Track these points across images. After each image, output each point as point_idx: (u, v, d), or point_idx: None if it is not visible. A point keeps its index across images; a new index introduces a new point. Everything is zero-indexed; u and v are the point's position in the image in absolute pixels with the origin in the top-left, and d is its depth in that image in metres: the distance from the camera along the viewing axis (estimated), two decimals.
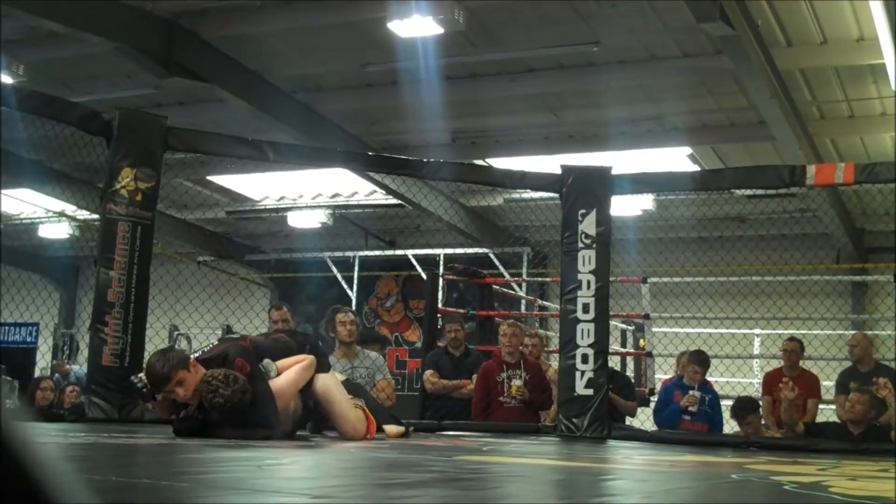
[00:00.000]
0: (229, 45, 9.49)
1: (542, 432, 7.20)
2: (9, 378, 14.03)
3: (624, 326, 11.56)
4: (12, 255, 17.29)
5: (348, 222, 15.25)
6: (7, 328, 18.94)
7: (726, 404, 8.51)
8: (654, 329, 10.29)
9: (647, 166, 9.55)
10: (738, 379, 10.90)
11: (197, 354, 5.07)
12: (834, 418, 8.55)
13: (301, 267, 15.93)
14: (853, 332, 9.65)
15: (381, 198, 13.81)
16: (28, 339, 19.12)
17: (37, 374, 15.19)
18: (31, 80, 9.43)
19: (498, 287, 11.24)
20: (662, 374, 10.31)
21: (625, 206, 11.34)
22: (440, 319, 9.53)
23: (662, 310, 10.48)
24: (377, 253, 15.56)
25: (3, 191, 14.49)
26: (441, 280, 11.35)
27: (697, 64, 9.28)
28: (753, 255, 11.75)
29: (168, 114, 7.99)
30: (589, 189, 7.31)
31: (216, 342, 5.27)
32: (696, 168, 11.38)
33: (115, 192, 6.81)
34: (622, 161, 9.38)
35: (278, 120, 10.41)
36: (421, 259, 14.50)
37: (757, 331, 11.53)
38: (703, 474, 3.92)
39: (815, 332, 10.80)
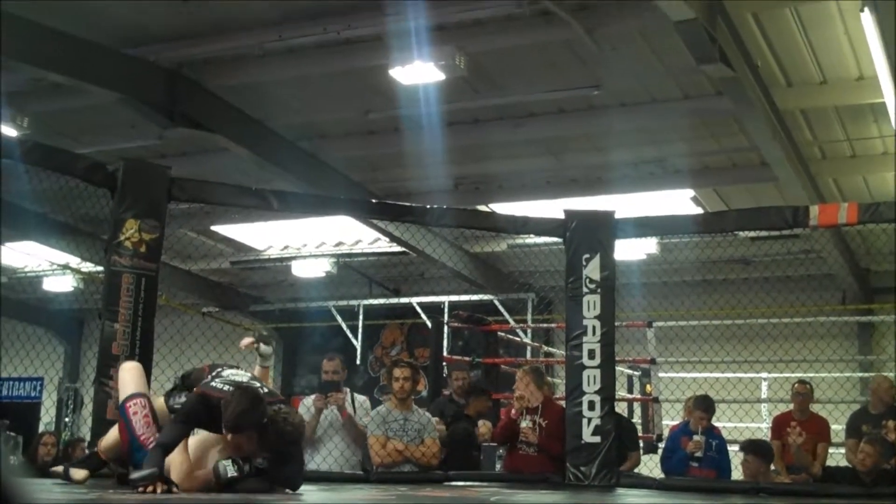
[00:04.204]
0: (232, 94, 9.53)
1: (550, 482, 7.12)
2: (13, 434, 13.95)
3: (630, 372, 11.48)
4: (17, 308, 17.28)
5: (352, 271, 15.23)
6: (11, 383, 18.89)
7: (734, 449, 8.43)
8: (661, 374, 10.22)
9: (650, 209, 9.54)
10: (746, 424, 10.80)
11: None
12: (844, 462, 8.46)
13: (306, 316, 15.89)
14: (861, 374, 9.58)
15: (384, 245, 13.80)
16: (32, 394, 19.06)
17: (41, 429, 15.12)
18: (36, 132, 9.45)
19: (503, 334, 11.20)
20: (670, 419, 10.22)
21: (629, 250, 11.32)
22: (445, 367, 9.47)
23: (668, 354, 10.42)
24: (382, 301, 15.53)
25: (8, 244, 14.52)
26: (446, 328, 11.30)
27: (698, 105, 9.30)
28: (759, 297, 11.68)
29: (172, 164, 7.97)
30: (592, 233, 7.28)
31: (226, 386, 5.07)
32: (700, 210, 11.36)
33: (120, 243, 6.78)
34: (625, 204, 9.36)
35: (282, 168, 10.43)
36: (426, 307, 14.45)
37: (764, 374, 11.43)
38: None
39: (823, 374, 10.71)
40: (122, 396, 5.24)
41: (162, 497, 4.26)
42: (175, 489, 4.49)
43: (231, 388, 4.76)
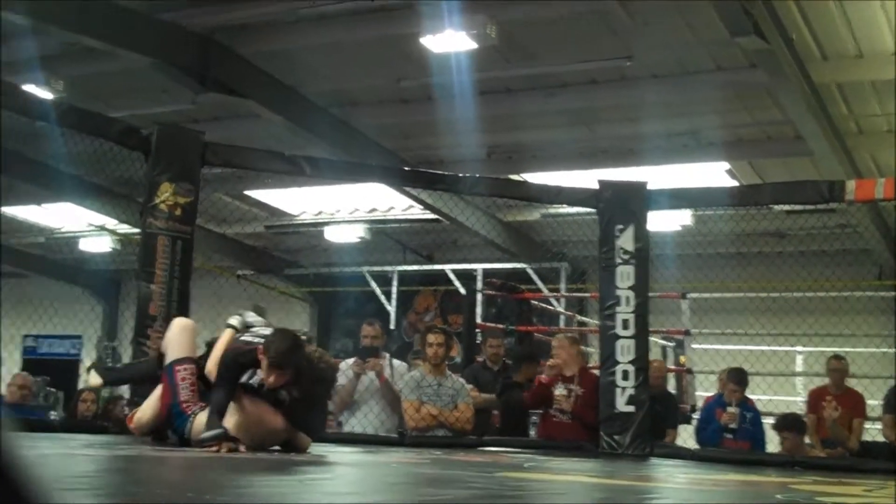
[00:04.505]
0: (265, 61, 9.53)
1: (583, 450, 7.13)
2: (53, 389, 14.18)
3: (664, 343, 11.46)
4: (54, 267, 17.49)
5: (386, 237, 15.26)
6: (51, 340, 19.17)
7: (769, 422, 8.41)
8: (695, 346, 10.20)
9: (684, 181, 9.48)
10: (780, 397, 10.76)
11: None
12: (880, 438, 8.42)
13: (340, 281, 15.95)
14: None
15: (417, 212, 13.80)
16: (72, 352, 19.34)
17: (80, 385, 15.32)
18: (71, 96, 9.50)
19: (536, 302, 11.20)
20: (704, 391, 10.20)
21: (663, 222, 11.25)
22: (479, 334, 9.50)
23: (703, 326, 10.39)
24: (415, 268, 15.54)
25: (44, 205, 14.68)
26: (479, 295, 11.31)
27: (732, 78, 9.18)
28: (794, 270, 11.60)
29: (204, 129, 8.02)
30: (626, 204, 7.25)
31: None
32: (734, 183, 11.27)
33: (155, 206, 6.85)
34: (659, 176, 9.31)
35: (314, 134, 10.44)
36: (459, 274, 14.44)
37: (799, 348, 11.37)
38: (746, 494, 3.86)
39: (859, 349, 10.64)
40: (171, 356, 5.30)
41: (203, 454, 4.33)
42: (242, 448, 4.59)
43: (262, 339, 4.90)
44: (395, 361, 7.60)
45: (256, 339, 4.96)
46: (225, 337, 5.27)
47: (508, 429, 7.79)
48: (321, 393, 5.07)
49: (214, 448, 4.54)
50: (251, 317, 5.45)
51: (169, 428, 5.21)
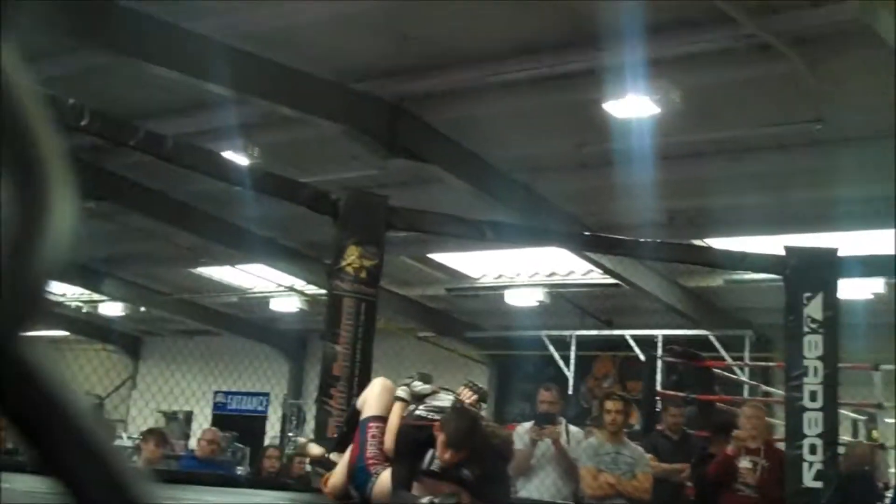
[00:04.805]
0: (450, 127, 9.76)
1: None
2: (241, 445, 14.70)
3: (855, 416, 10.97)
4: (246, 326, 18.20)
5: (565, 301, 15.22)
6: (240, 397, 19.91)
7: None
8: (888, 419, 9.74)
9: (877, 248, 9.12)
10: None
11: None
12: None
13: (518, 345, 15.99)
14: None
15: (597, 277, 13.73)
16: (259, 409, 20.02)
17: (266, 442, 15.83)
18: (265, 162, 9.96)
19: (719, 371, 10.94)
20: None
21: (854, 290, 10.83)
22: (658, 402, 9.34)
23: None
24: (594, 333, 15.42)
25: (239, 266, 15.34)
26: (659, 362, 11.14)
27: None
28: None
29: (391, 193, 8.25)
30: (814, 271, 7.03)
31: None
32: None
33: (342, 269, 7.06)
34: (850, 242, 8.98)
35: (496, 199, 10.57)
36: (638, 340, 14.27)
37: None
38: None
39: None
40: (365, 413, 5.44)
41: None
42: None
43: (439, 412, 4.90)
44: (572, 427, 7.54)
45: (431, 415, 5.00)
46: (396, 410, 5.31)
47: (701, 502, 7.58)
48: (501, 467, 5.07)
49: None
50: (419, 386, 5.47)
51: (351, 484, 5.32)
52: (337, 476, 5.48)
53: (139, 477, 0.57)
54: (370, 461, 5.15)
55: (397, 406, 5.32)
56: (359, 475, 5.18)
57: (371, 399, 5.50)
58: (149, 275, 16.13)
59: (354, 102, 9.29)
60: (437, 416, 4.89)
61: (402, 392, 5.39)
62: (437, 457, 4.76)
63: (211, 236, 12.76)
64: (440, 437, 4.70)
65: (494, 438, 4.97)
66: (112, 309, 18.80)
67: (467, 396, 5.53)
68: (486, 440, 4.86)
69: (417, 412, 5.07)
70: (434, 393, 5.36)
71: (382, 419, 5.31)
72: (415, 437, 4.93)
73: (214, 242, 13.19)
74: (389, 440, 5.12)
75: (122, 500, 0.55)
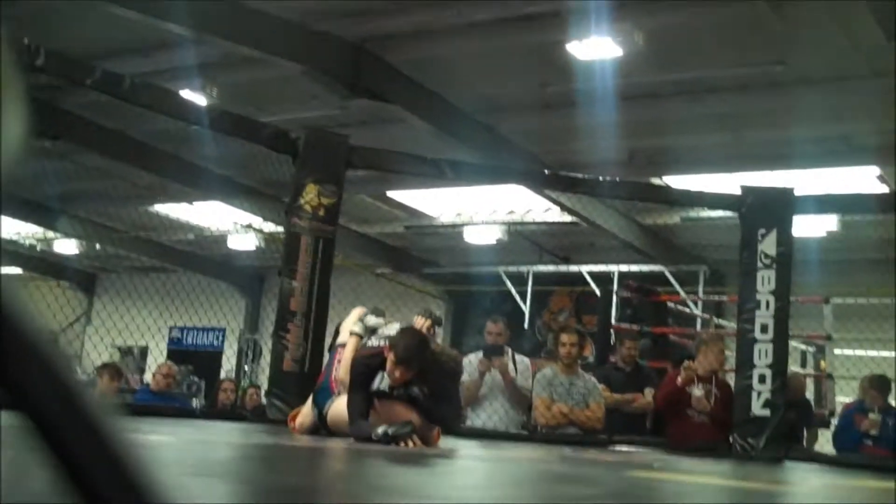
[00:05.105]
0: (412, 68, 9.76)
1: (716, 451, 7.11)
2: (196, 379, 14.80)
3: (804, 347, 11.26)
4: (203, 263, 18.16)
5: (523, 238, 15.36)
6: (196, 332, 19.96)
7: None
8: (837, 351, 10.01)
9: (831, 186, 9.31)
10: None
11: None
12: None
13: (476, 281, 16.14)
14: None
15: (556, 215, 13.87)
16: (215, 344, 20.11)
17: (222, 375, 15.93)
18: (224, 102, 9.92)
19: (673, 305, 11.16)
20: (844, 397, 10.00)
21: (808, 227, 11.05)
22: (613, 335, 9.53)
23: (845, 331, 10.18)
24: (551, 268, 15.62)
25: (195, 203, 15.28)
26: (615, 296, 11.33)
27: (889, 83, 8.96)
28: None
29: (351, 133, 8.29)
30: (769, 209, 7.20)
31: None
32: (885, 189, 10.98)
33: (300, 207, 7.13)
34: (805, 180, 9.17)
35: (457, 139, 10.61)
36: (595, 275, 14.48)
37: None
38: (885, 501, 3.83)
39: None
40: (339, 340, 5.61)
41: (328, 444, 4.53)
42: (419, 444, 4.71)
43: (387, 340, 5.05)
44: (518, 356, 7.70)
45: (382, 342, 5.15)
46: (351, 344, 5.48)
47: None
48: (450, 387, 5.20)
49: (408, 444, 4.59)
50: (372, 320, 5.63)
51: (314, 404, 5.47)
52: (304, 415, 5.62)
53: (104, 406, 0.56)
54: (334, 381, 5.32)
55: (352, 340, 5.49)
56: (321, 394, 5.35)
57: (345, 328, 5.66)
58: (104, 213, 16.00)
59: (316, 43, 9.25)
60: (385, 343, 5.06)
61: (356, 327, 5.55)
62: (387, 375, 4.90)
63: (168, 175, 12.68)
64: (390, 357, 4.85)
65: (443, 357, 5.10)
66: (67, 247, 18.67)
67: (421, 323, 5.69)
68: (436, 358, 4.99)
69: (370, 343, 5.24)
70: (388, 324, 5.52)
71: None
72: (367, 365, 5.07)
73: (171, 181, 13.12)
74: (343, 373, 5.27)
75: (87, 427, 0.55)
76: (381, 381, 4.97)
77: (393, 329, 5.36)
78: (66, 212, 15.45)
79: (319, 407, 5.38)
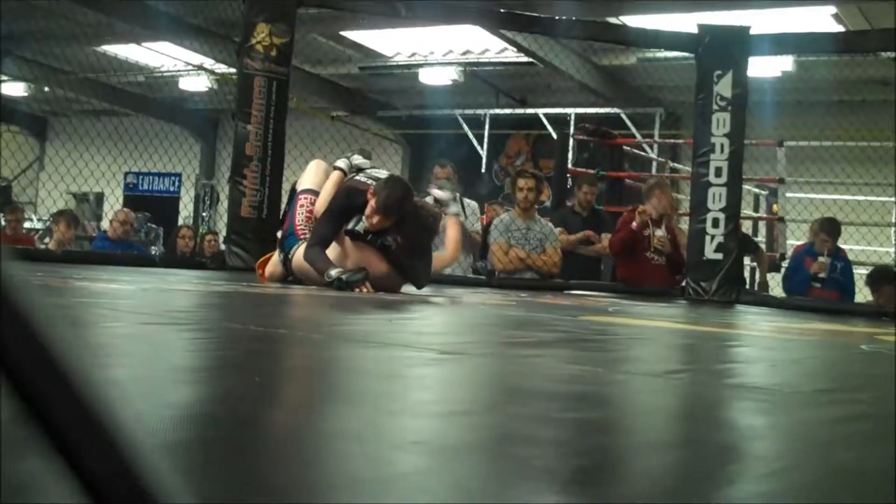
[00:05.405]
0: None
1: (670, 295, 7.23)
2: (154, 225, 14.70)
3: (757, 191, 11.35)
4: (156, 106, 17.82)
5: (479, 80, 15.17)
6: (152, 178, 19.74)
7: (861, 273, 8.36)
8: (789, 194, 10.09)
9: (787, 26, 9.18)
10: (874, 248, 10.63)
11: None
12: None
13: (432, 124, 16.00)
14: None
15: (512, 55, 13.66)
16: (171, 189, 19.92)
17: (180, 222, 15.84)
18: None
19: (629, 148, 11.14)
20: (796, 240, 10.14)
21: (763, 68, 10.96)
22: (570, 179, 9.53)
23: (798, 175, 10.25)
24: (508, 111, 15.50)
25: (144, 44, 14.87)
26: (571, 140, 11.29)
27: None
28: None
29: None
30: (726, 49, 7.12)
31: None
32: (840, 28, 10.88)
33: (251, 47, 6.95)
34: (762, 20, 9.03)
35: None
36: (552, 118, 14.40)
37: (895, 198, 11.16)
38: (831, 343, 3.89)
39: None
40: (301, 186, 5.53)
41: (303, 292, 4.53)
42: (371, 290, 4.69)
43: (376, 181, 4.97)
44: (466, 200, 7.68)
45: (370, 181, 5.06)
46: (333, 178, 5.37)
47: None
48: (425, 241, 5.15)
49: (359, 290, 4.59)
50: (358, 159, 5.51)
51: (280, 252, 5.45)
52: (273, 264, 5.59)
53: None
54: (298, 227, 5.28)
55: (335, 174, 5.39)
56: (287, 241, 5.33)
57: (306, 175, 5.58)
58: (51, 53, 15.55)
59: None
60: (373, 183, 4.98)
61: (341, 163, 5.45)
62: (364, 218, 4.86)
63: (114, 13, 12.28)
64: (371, 201, 4.79)
65: (423, 212, 5.06)
66: (14, 89, 18.20)
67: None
68: (416, 213, 4.95)
69: (357, 178, 5.15)
70: (373, 168, 5.43)
71: (314, 192, 5.41)
72: (349, 197, 5.02)
73: (118, 20, 12.71)
74: (322, 203, 5.20)
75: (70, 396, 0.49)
76: (357, 223, 4.92)
77: (380, 172, 5.28)
78: (10, 52, 15.00)
79: (285, 253, 5.35)
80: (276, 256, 5.56)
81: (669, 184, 7.95)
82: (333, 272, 4.68)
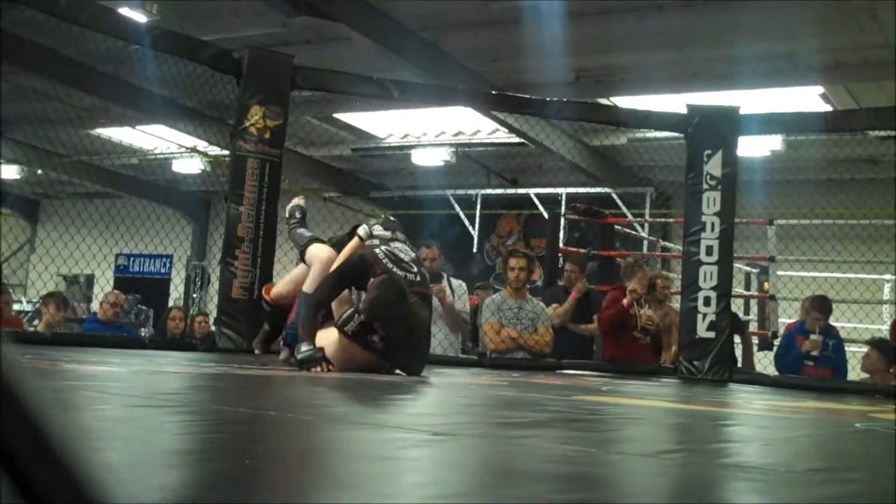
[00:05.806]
0: None
1: (662, 374, 7.20)
2: (143, 307, 14.66)
3: (748, 269, 11.38)
4: (148, 188, 17.90)
5: (471, 160, 15.30)
6: (143, 259, 19.74)
7: (853, 350, 8.34)
8: (780, 272, 10.11)
9: (776, 105, 9.31)
10: (865, 325, 10.64)
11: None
12: None
13: (424, 204, 16.09)
14: None
15: (503, 136, 13.79)
16: (162, 271, 19.90)
17: (170, 303, 15.79)
18: (164, 19, 9.65)
19: (620, 227, 11.19)
20: (787, 318, 10.14)
21: (752, 147, 11.08)
22: (561, 258, 9.55)
23: (789, 253, 10.28)
24: (499, 191, 15.60)
25: (139, 126, 14.99)
26: (563, 219, 11.34)
27: (833, 2, 8.91)
28: (885, 198, 11.35)
29: (295, 52, 8.11)
30: (715, 129, 7.20)
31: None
32: (828, 108, 11.03)
33: (245, 129, 7.01)
34: (750, 100, 9.15)
35: (403, 58, 10.44)
36: (543, 198, 14.50)
37: (888, 276, 11.19)
38: (825, 422, 3.88)
39: None
40: (307, 287, 5.25)
41: (288, 373, 4.49)
42: (331, 368, 4.67)
43: (392, 265, 4.87)
44: (455, 281, 7.69)
45: (386, 260, 4.91)
46: (351, 244, 5.29)
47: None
48: (417, 333, 4.99)
49: (317, 369, 4.59)
50: (378, 230, 5.38)
51: (285, 344, 5.41)
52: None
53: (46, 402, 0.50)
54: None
55: (353, 241, 5.31)
56: (293, 338, 5.27)
57: (314, 273, 5.41)
58: (45, 136, 15.66)
59: None
60: (390, 263, 4.89)
61: (361, 230, 5.37)
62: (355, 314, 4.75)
63: (109, 97, 12.40)
64: (364, 297, 4.74)
65: (416, 308, 4.87)
66: (7, 172, 18.29)
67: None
68: (407, 315, 4.73)
69: (377, 250, 5.01)
70: (393, 240, 5.28)
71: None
72: (357, 266, 4.93)
73: (112, 103, 12.84)
74: (334, 265, 5.12)
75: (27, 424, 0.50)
76: (350, 323, 4.75)
77: (402, 252, 5.09)
78: (4, 135, 15.09)
79: (292, 349, 5.21)
80: (280, 282, 5.59)
81: (639, 265, 7.96)
82: (304, 347, 4.70)
